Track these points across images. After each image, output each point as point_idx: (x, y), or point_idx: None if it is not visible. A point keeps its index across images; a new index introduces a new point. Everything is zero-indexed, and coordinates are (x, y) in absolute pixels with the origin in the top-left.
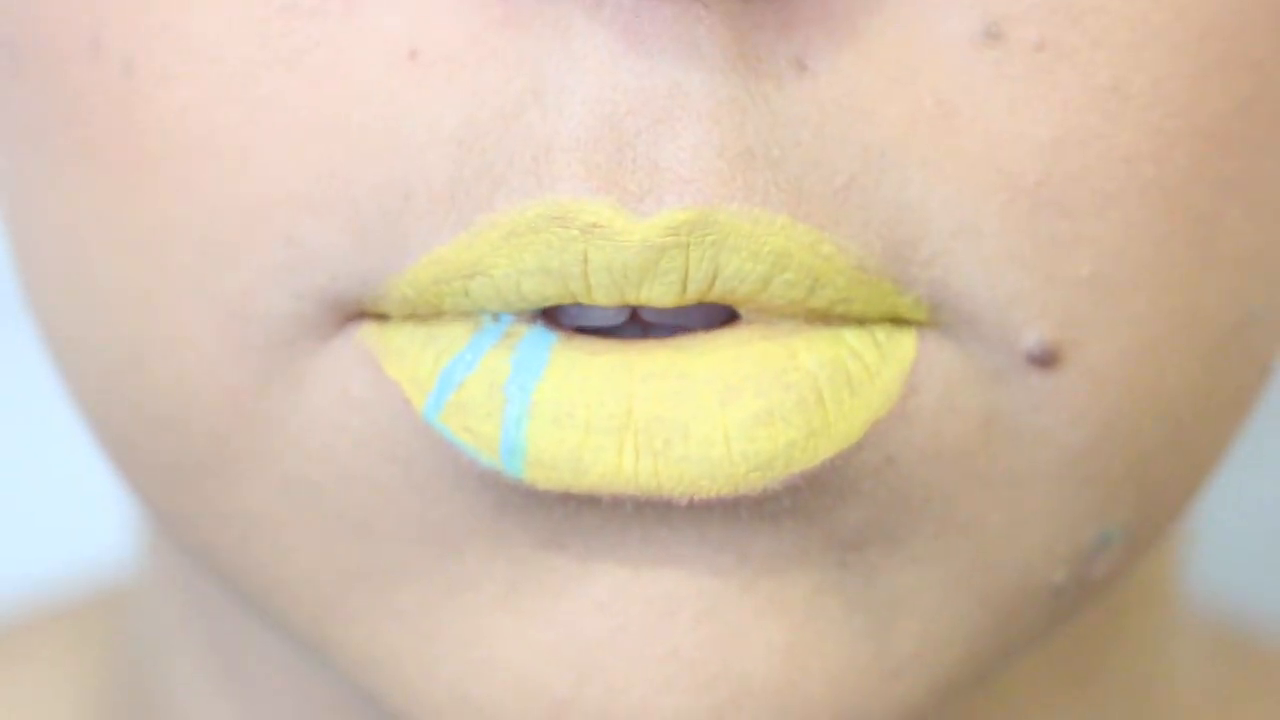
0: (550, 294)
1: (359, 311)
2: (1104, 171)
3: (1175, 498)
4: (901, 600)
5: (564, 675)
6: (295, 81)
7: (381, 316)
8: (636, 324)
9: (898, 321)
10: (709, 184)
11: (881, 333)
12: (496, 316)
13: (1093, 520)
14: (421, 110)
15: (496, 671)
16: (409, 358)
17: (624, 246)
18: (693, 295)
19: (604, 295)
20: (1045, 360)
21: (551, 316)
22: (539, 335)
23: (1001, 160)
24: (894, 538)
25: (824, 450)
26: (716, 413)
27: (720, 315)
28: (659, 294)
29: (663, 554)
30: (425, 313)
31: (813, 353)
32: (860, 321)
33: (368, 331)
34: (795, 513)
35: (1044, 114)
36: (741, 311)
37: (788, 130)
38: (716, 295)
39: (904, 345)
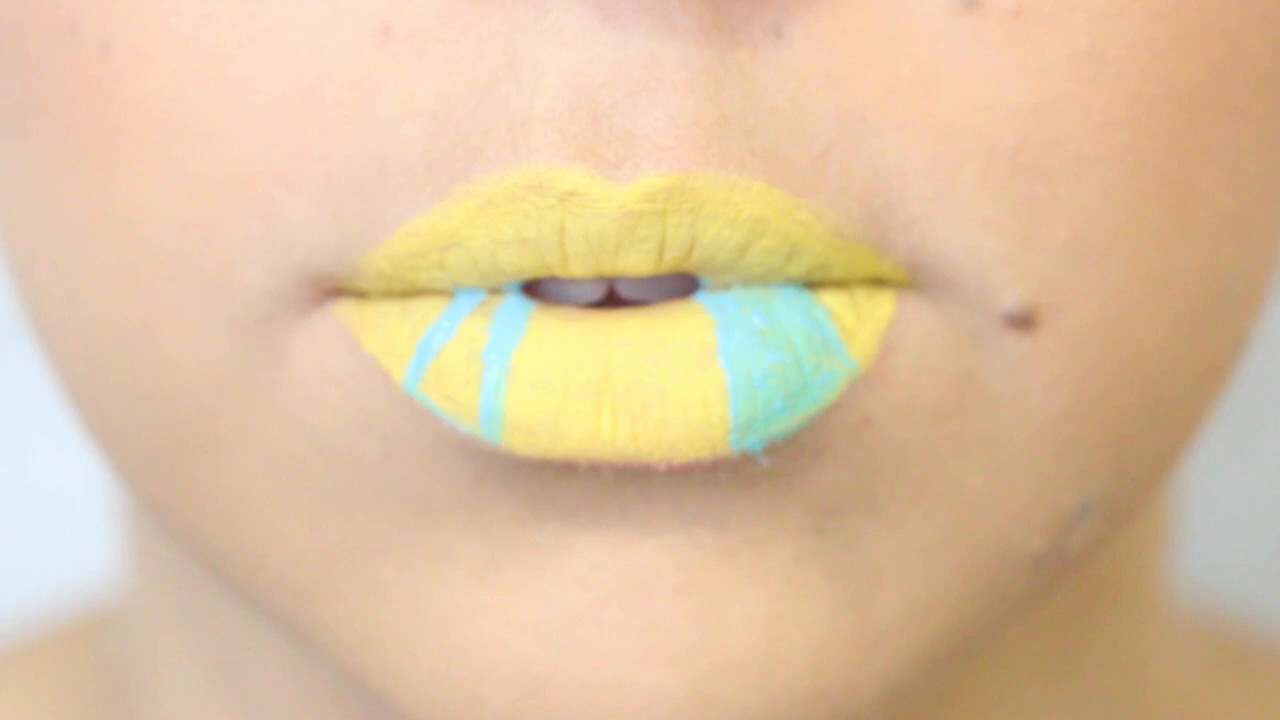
0: (526, 266)
1: (335, 289)
2: (1081, 136)
3: (1152, 469)
4: (881, 568)
5: (543, 651)
6: (267, 60)
7: (358, 294)
8: (613, 303)
9: (878, 282)
10: (685, 151)
11: (861, 293)
12: (471, 292)
13: (1071, 488)
14: (394, 85)
15: (475, 649)
16: (385, 331)
17: (601, 214)
18: (669, 264)
19: (580, 266)
20: (1023, 322)
21: (528, 292)
22: (516, 303)
23: (978, 125)
24: (872, 502)
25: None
26: (695, 377)
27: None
28: (635, 263)
29: (640, 526)
30: (400, 289)
31: (790, 315)
32: (840, 284)
33: (344, 308)
34: (772, 477)
35: (1020, 80)
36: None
37: (763, 98)
38: (694, 264)
39: (882, 305)
